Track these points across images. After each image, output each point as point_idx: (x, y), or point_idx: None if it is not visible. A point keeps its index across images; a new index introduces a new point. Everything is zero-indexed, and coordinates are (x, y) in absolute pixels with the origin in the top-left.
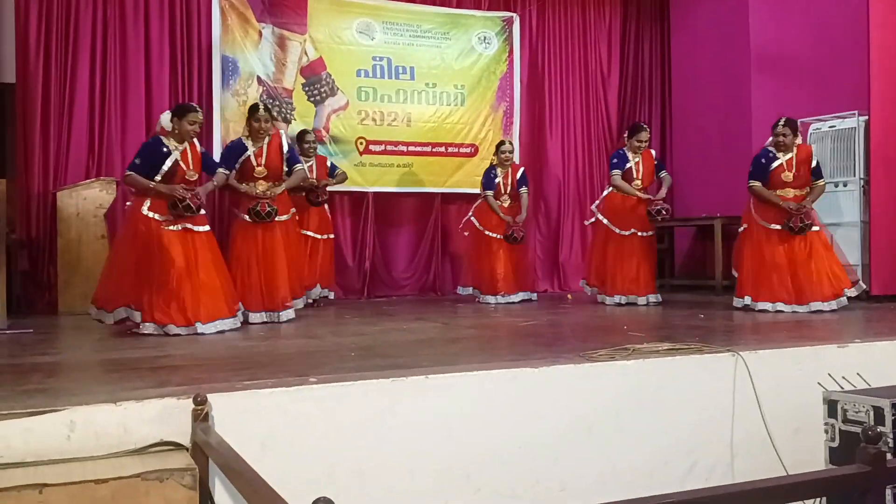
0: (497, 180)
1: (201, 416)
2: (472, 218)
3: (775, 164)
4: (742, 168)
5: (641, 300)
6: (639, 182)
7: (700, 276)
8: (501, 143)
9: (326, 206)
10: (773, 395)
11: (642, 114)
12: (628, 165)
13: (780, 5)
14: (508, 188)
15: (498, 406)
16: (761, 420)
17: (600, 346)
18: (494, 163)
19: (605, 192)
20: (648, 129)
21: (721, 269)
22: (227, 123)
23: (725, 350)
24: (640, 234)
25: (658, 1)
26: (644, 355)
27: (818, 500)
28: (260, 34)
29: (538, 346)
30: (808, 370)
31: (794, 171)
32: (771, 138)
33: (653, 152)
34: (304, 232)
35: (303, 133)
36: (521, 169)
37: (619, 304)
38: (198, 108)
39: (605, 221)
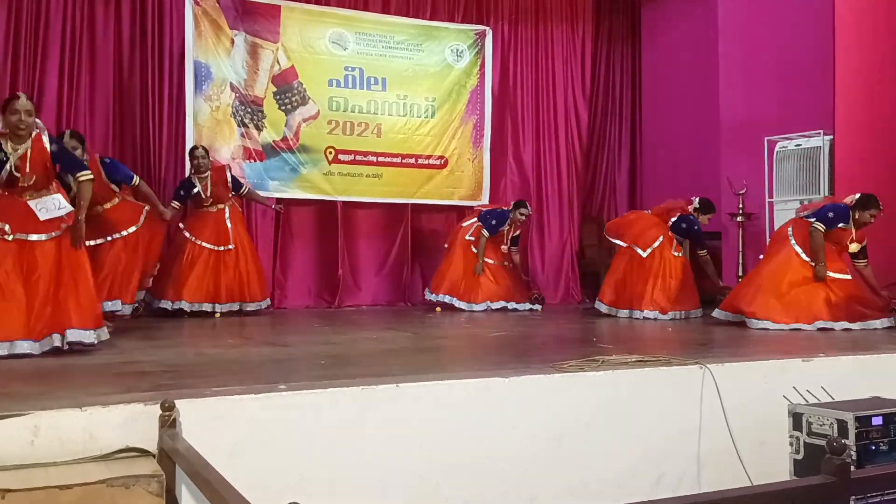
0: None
1: (169, 423)
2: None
3: (845, 226)
4: (710, 188)
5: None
6: None
7: None
8: None
9: (227, 218)
10: (740, 408)
11: (612, 131)
12: None
13: (748, 28)
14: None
15: (468, 415)
16: (727, 432)
17: (570, 357)
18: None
19: None
20: None
21: None
22: (199, 128)
23: (693, 362)
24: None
25: (629, 21)
26: (613, 367)
27: None
28: (232, 41)
29: (509, 356)
30: (774, 383)
31: (855, 242)
32: (861, 213)
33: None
34: (201, 243)
35: (192, 150)
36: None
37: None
38: (20, 95)
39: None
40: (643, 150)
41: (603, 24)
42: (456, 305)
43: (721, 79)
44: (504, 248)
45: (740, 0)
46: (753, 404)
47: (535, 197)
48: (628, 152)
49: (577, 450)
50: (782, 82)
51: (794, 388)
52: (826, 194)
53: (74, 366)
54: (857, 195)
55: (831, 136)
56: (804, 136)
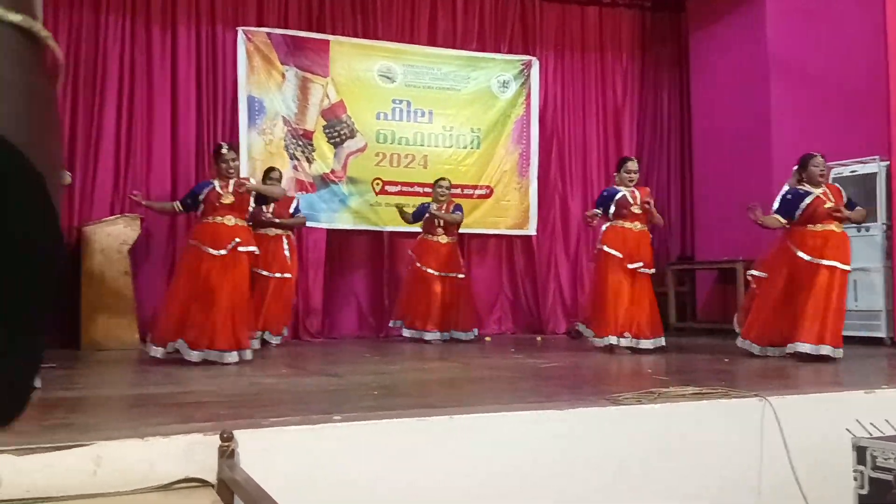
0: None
1: (227, 453)
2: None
3: (809, 198)
4: (763, 211)
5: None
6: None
7: (721, 320)
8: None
9: (286, 245)
10: (801, 441)
11: (662, 159)
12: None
13: (799, 55)
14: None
15: (523, 448)
16: (789, 466)
17: (625, 389)
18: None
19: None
20: (636, 160)
21: None
22: (253, 162)
23: (752, 395)
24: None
25: (677, 49)
26: (670, 399)
27: None
28: (283, 76)
29: (562, 388)
30: (836, 416)
31: (832, 201)
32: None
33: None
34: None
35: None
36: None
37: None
38: (223, 145)
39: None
40: (694, 179)
41: (650, 52)
42: None
43: (773, 106)
44: None
45: (791, 27)
46: (815, 437)
47: (582, 227)
48: (678, 181)
49: (634, 484)
50: (836, 109)
51: (856, 420)
52: (883, 221)
53: (132, 396)
54: None
55: (888, 162)
56: (860, 163)
